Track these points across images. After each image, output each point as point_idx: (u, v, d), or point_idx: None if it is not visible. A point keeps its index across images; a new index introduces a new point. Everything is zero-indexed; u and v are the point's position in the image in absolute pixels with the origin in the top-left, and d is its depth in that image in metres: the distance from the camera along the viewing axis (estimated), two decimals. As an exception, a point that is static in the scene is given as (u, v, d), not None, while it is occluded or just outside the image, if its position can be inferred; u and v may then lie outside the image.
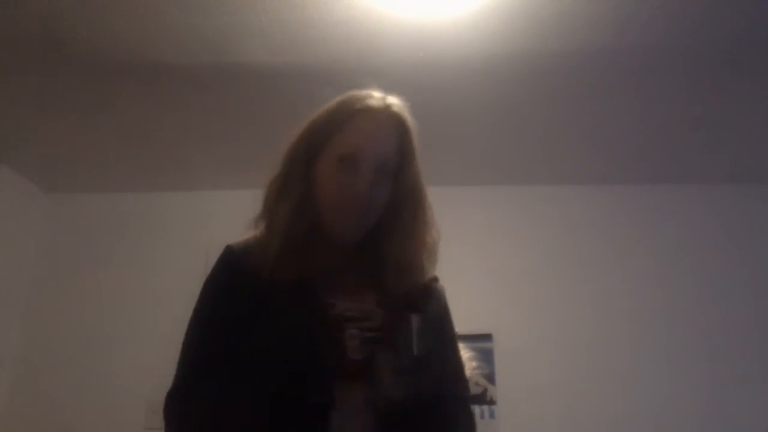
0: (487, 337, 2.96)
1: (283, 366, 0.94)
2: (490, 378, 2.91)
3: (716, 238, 3.16)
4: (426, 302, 1.07)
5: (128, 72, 2.33)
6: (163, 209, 3.32)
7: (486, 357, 2.94)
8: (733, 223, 3.19)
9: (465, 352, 3.13)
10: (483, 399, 2.88)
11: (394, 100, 1.10)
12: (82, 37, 2.15)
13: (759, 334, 3.00)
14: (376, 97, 1.09)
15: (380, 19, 2.06)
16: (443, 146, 2.84)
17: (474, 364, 2.93)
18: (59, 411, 2.94)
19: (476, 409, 2.85)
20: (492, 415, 2.86)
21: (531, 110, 2.60)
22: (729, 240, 3.16)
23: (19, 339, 3.11)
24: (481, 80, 2.38)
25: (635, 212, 3.23)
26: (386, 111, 1.07)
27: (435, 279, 1.15)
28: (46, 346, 3.09)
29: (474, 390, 2.89)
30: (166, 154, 2.98)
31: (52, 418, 2.93)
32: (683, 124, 2.69)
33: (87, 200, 3.36)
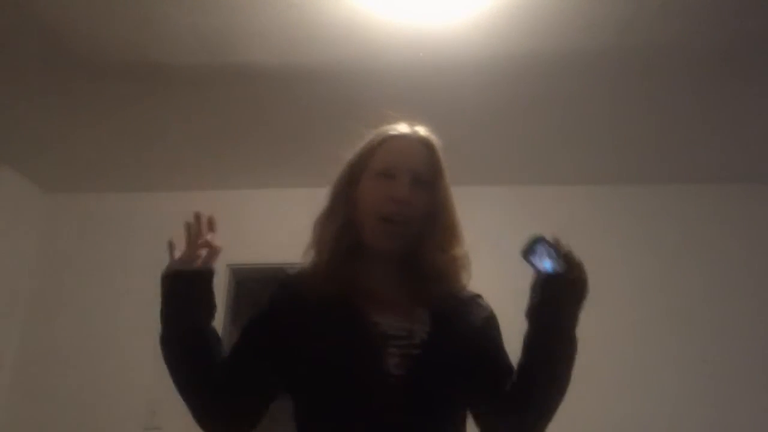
0: (487, 337, 2.95)
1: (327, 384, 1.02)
2: (490, 378, 2.91)
3: (718, 238, 3.15)
4: (469, 313, 1.20)
5: (128, 72, 2.33)
6: (163, 209, 3.31)
7: (486, 357, 2.93)
8: (735, 223, 3.18)
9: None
10: (483, 399, 2.87)
11: (421, 127, 1.24)
12: (82, 38, 2.15)
13: (763, 335, 2.99)
14: (405, 125, 1.23)
15: (380, 20, 2.06)
16: (443, 146, 2.84)
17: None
18: (59, 411, 2.94)
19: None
20: (492, 415, 2.85)
21: (531, 110, 2.60)
22: (731, 240, 3.15)
23: (19, 339, 3.11)
24: (481, 80, 2.38)
25: (636, 212, 3.22)
26: (415, 134, 1.22)
27: (478, 296, 1.28)
28: (46, 346, 3.09)
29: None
30: (166, 154, 2.98)
31: (52, 418, 2.93)
32: (684, 124, 2.68)
33: (87, 200, 3.35)
